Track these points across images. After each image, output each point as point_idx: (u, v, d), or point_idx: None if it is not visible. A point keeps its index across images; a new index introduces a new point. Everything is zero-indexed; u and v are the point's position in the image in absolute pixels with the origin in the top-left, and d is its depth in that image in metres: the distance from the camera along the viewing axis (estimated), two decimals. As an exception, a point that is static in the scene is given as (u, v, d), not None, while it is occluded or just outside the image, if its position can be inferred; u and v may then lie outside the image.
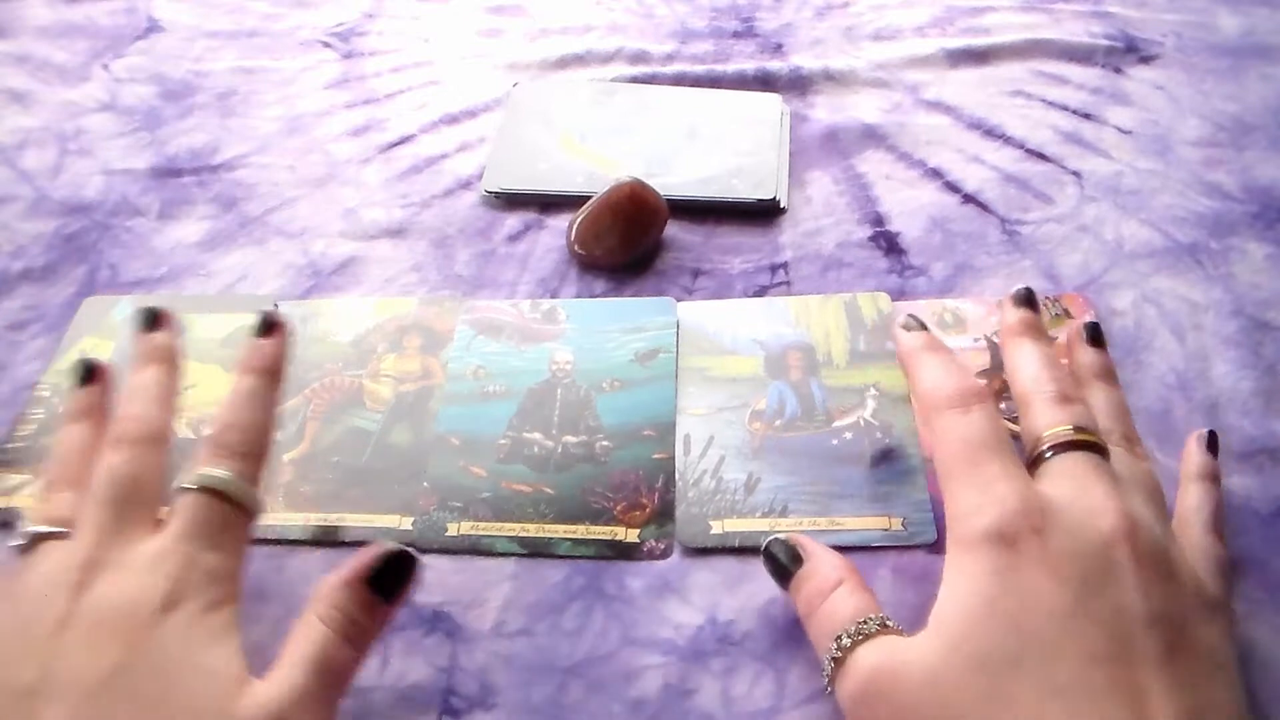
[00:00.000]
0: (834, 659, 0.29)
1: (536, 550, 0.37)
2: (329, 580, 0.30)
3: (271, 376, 0.34)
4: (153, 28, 0.64)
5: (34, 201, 0.52)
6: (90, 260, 0.49)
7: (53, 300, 0.47)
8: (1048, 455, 0.30)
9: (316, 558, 0.37)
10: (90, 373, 0.36)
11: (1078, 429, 0.30)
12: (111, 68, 0.61)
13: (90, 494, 0.31)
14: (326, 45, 0.62)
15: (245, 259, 0.49)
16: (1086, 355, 0.36)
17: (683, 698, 0.33)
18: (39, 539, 0.31)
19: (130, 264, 0.49)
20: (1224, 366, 0.41)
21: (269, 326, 0.35)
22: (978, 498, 0.29)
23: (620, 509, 0.38)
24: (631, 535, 0.37)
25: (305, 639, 0.29)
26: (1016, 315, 0.35)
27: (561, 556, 0.36)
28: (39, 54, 0.62)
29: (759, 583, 0.35)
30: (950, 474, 0.30)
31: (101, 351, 0.44)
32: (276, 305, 0.46)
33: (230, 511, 0.31)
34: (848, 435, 0.39)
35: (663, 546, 0.36)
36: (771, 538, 0.33)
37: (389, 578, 0.30)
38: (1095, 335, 0.36)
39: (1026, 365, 0.33)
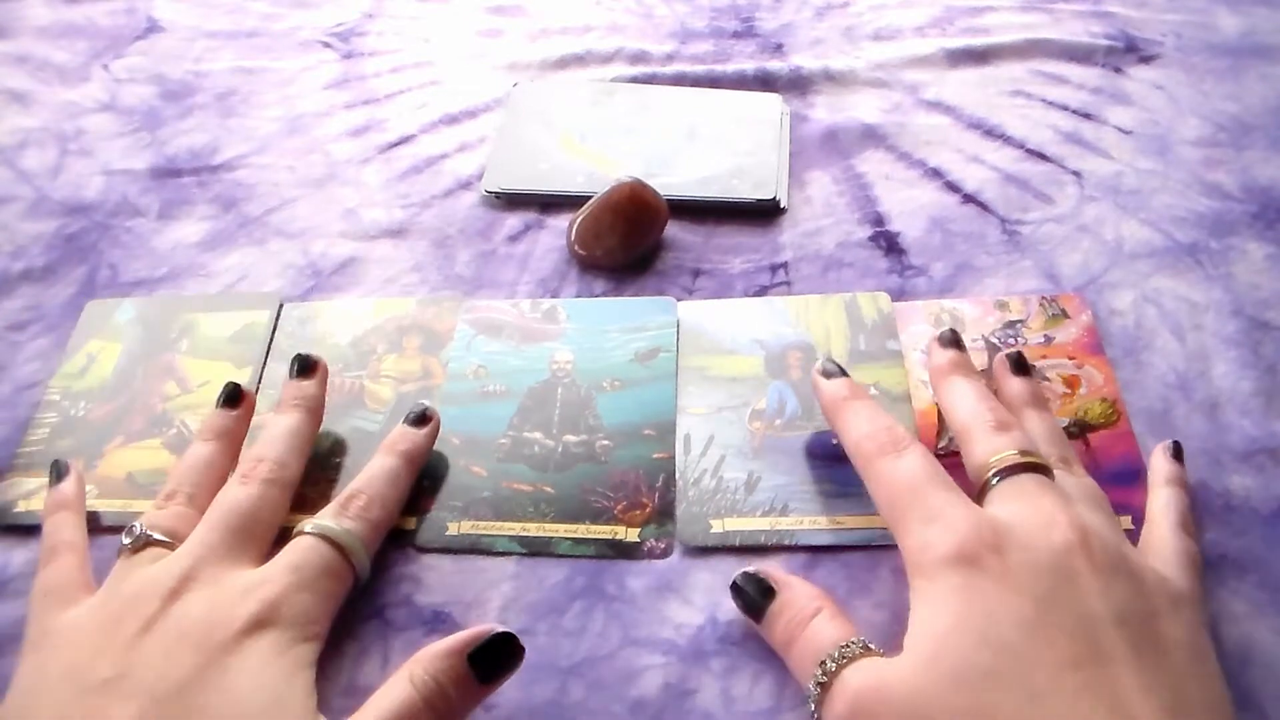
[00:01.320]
0: (820, 684, 0.29)
1: (537, 550, 0.37)
2: (433, 647, 0.30)
3: (413, 463, 0.37)
4: (153, 28, 0.64)
5: (34, 202, 0.52)
6: (90, 261, 0.49)
7: (53, 301, 0.47)
8: (994, 481, 0.31)
9: (317, 558, 0.37)
10: (234, 398, 0.38)
11: (1021, 452, 0.31)
12: (111, 68, 0.61)
13: (207, 515, 0.33)
14: (326, 45, 0.62)
15: (245, 259, 0.49)
16: (1015, 385, 0.37)
17: (683, 698, 0.33)
18: (147, 543, 0.32)
19: (130, 264, 0.49)
20: (1224, 366, 0.41)
21: (421, 418, 0.38)
22: (930, 529, 0.29)
23: (620, 508, 0.38)
24: (632, 535, 0.37)
25: (392, 697, 0.29)
26: (945, 355, 0.36)
27: (562, 556, 0.37)
28: (39, 54, 0.62)
29: (759, 582, 0.35)
30: (897, 515, 0.31)
31: (108, 354, 0.45)
32: (282, 303, 0.46)
33: (337, 562, 0.32)
34: (848, 435, 0.39)
35: (663, 546, 0.36)
36: (740, 573, 0.33)
37: (491, 659, 0.30)
38: (1020, 364, 0.37)
39: (961, 401, 0.34)
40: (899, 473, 0.31)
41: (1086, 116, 0.54)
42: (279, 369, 0.43)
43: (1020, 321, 0.43)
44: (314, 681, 0.30)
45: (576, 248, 0.46)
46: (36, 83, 0.60)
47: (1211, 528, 0.35)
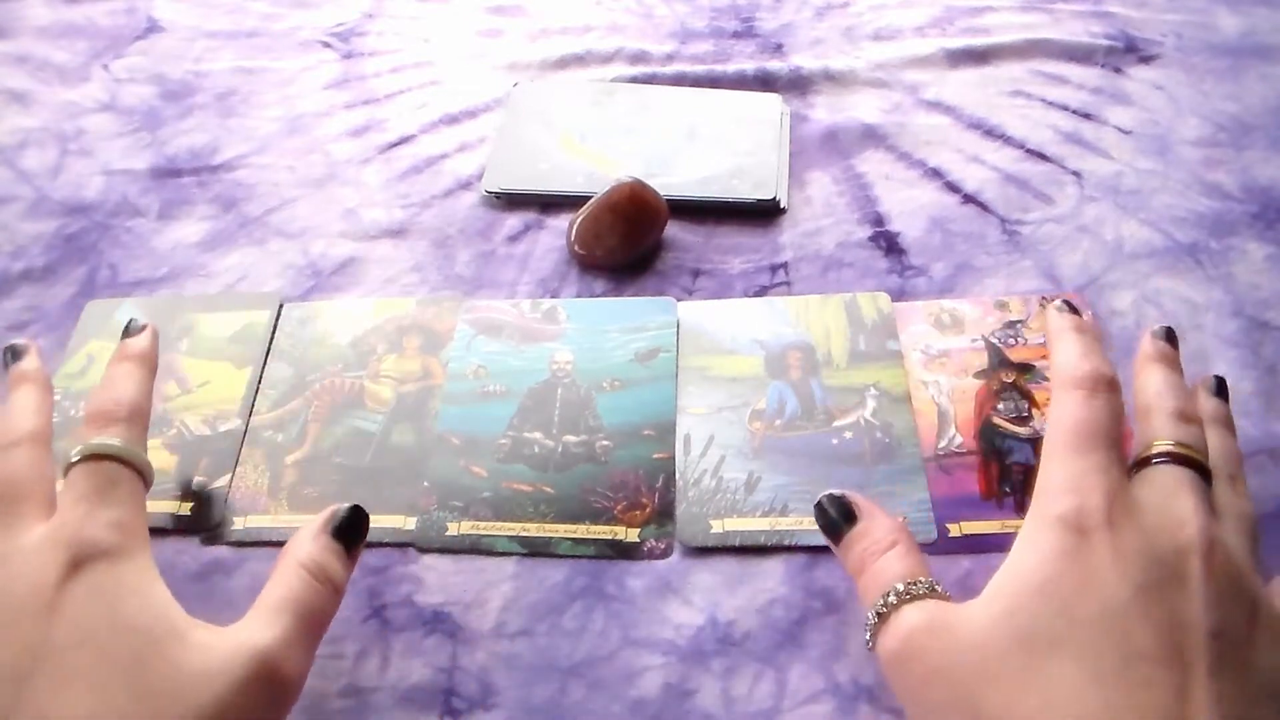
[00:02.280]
0: (879, 613, 0.29)
1: (537, 550, 0.37)
2: (300, 534, 0.32)
3: (142, 360, 0.35)
4: (152, 28, 0.64)
5: (34, 202, 0.52)
6: (90, 261, 0.49)
7: (53, 301, 0.47)
8: (1152, 462, 0.30)
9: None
10: None
11: (1186, 445, 0.30)
12: (111, 68, 0.61)
13: None
14: (326, 45, 0.62)
15: (245, 259, 0.49)
16: (1209, 403, 0.36)
17: (683, 698, 0.33)
18: None
19: (130, 264, 0.49)
20: (1224, 366, 0.41)
21: (139, 328, 0.37)
22: (1068, 481, 0.29)
23: (620, 508, 0.38)
24: (632, 535, 0.37)
25: (285, 584, 0.30)
26: (1154, 346, 0.35)
27: (562, 556, 0.37)
28: (39, 54, 0.62)
29: (759, 582, 0.35)
30: (1054, 449, 0.30)
31: (108, 354, 0.44)
32: (282, 303, 0.46)
33: (119, 470, 0.31)
34: (848, 435, 0.39)
35: (663, 546, 0.36)
36: (826, 493, 0.33)
37: (350, 530, 0.33)
38: (1220, 388, 0.36)
39: (1154, 382, 0.33)
40: (1079, 411, 0.30)
41: (1086, 116, 0.54)
42: (279, 369, 0.43)
43: (1020, 322, 0.43)
44: (165, 590, 0.29)
45: (576, 248, 0.46)
46: (36, 83, 0.60)
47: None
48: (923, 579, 0.30)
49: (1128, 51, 0.57)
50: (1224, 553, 0.27)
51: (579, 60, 0.59)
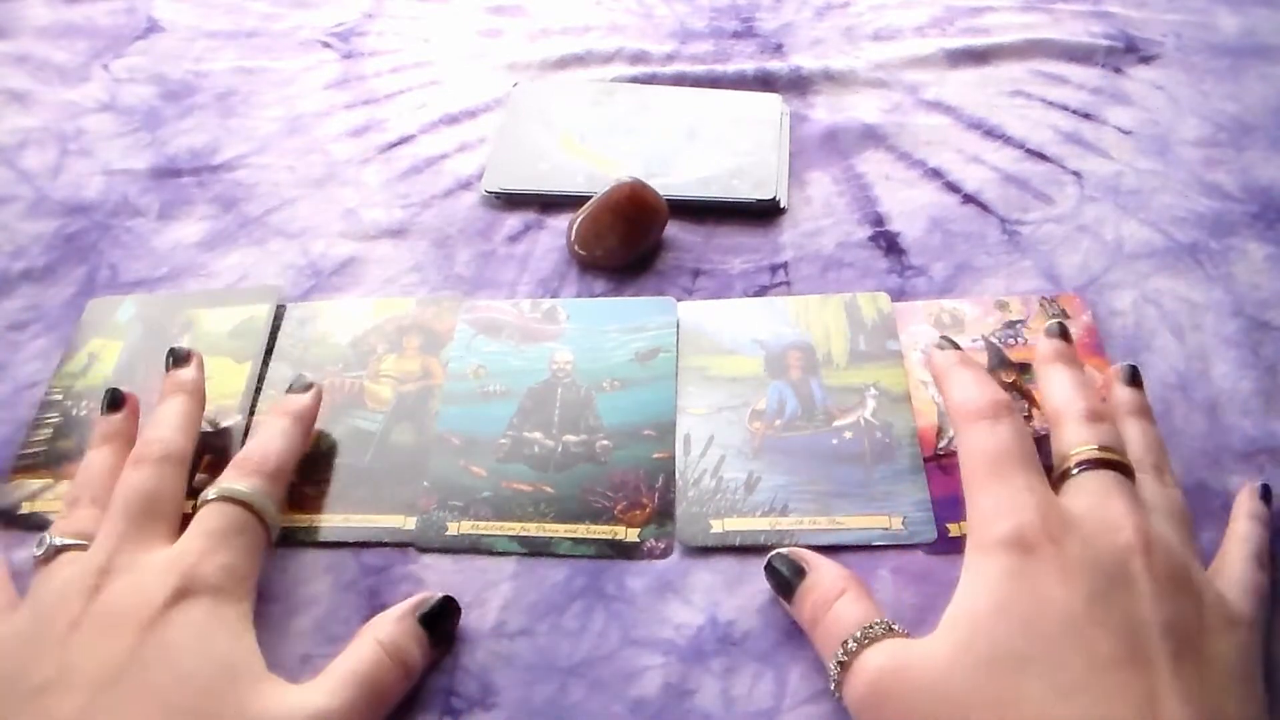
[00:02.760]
0: (841, 663, 0.29)
1: (537, 550, 0.37)
2: (386, 614, 0.33)
3: (299, 419, 0.38)
4: (152, 28, 0.64)
5: (34, 202, 0.52)
6: (90, 260, 0.49)
7: (53, 300, 0.47)
8: (1074, 472, 0.31)
9: (320, 558, 0.37)
10: (116, 401, 0.38)
11: (1103, 448, 0.31)
12: (111, 68, 0.61)
13: (109, 507, 0.33)
14: (326, 45, 0.62)
15: (245, 259, 0.49)
16: (1123, 393, 0.36)
17: (683, 698, 0.33)
18: (59, 550, 0.32)
19: (130, 264, 0.49)
20: (1224, 366, 0.41)
21: (305, 386, 0.39)
22: (999, 506, 0.29)
23: (620, 508, 0.38)
24: (632, 535, 0.37)
25: (361, 655, 0.31)
26: (1051, 344, 0.36)
27: (562, 556, 0.37)
28: (39, 54, 0.62)
29: (759, 582, 0.35)
30: (975, 482, 0.31)
31: (109, 353, 0.45)
32: (281, 300, 0.46)
33: (247, 519, 0.33)
34: (848, 435, 0.39)
35: (663, 546, 0.36)
36: (774, 552, 0.34)
37: (439, 620, 0.33)
38: (1133, 376, 0.37)
39: (1059, 387, 0.34)
40: (987, 441, 0.31)
41: (1086, 116, 0.54)
42: (279, 369, 0.43)
43: (1020, 322, 0.43)
44: (254, 640, 0.30)
45: (576, 248, 0.46)
46: (36, 83, 0.60)
47: (1211, 528, 0.35)
48: (878, 621, 0.30)
49: (1128, 51, 0.57)
50: (1163, 548, 0.28)
51: (579, 60, 0.59)
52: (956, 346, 0.36)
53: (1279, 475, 0.37)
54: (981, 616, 0.27)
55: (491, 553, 0.37)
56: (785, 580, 0.33)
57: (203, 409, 0.38)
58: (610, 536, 0.37)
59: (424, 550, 0.37)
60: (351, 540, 0.37)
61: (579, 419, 0.41)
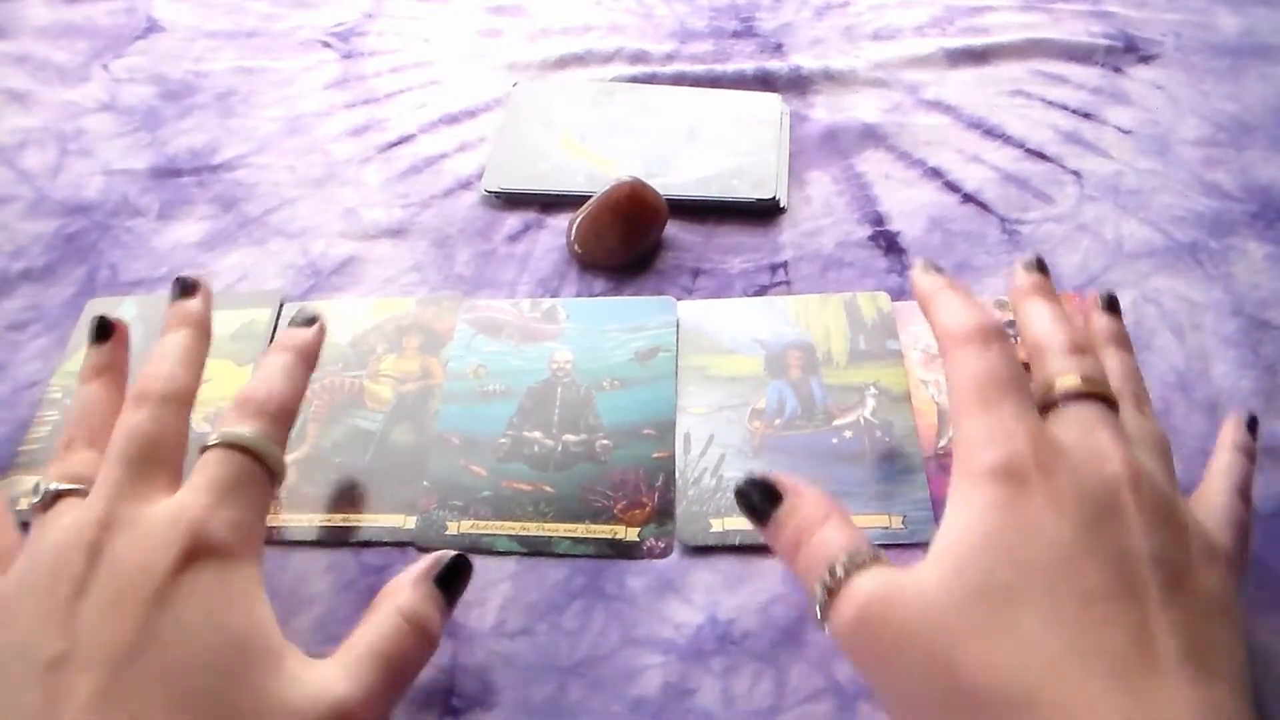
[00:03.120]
0: (828, 588, 0.28)
1: (536, 549, 0.37)
2: (402, 578, 0.31)
3: (303, 356, 0.35)
4: (152, 28, 0.64)
5: (34, 202, 0.52)
6: (90, 260, 0.49)
7: (53, 300, 0.47)
8: (1059, 404, 0.30)
9: (320, 558, 0.37)
10: (106, 329, 0.36)
11: (1087, 379, 0.30)
12: (111, 68, 0.61)
13: (107, 452, 0.30)
14: (326, 45, 0.62)
15: (245, 259, 0.49)
16: (1102, 320, 0.36)
17: (683, 697, 0.33)
18: (56, 496, 0.30)
19: (130, 264, 0.49)
20: (1224, 366, 0.41)
21: (309, 319, 0.36)
22: (988, 433, 0.28)
23: (620, 508, 0.38)
24: (632, 534, 0.37)
25: (381, 624, 0.29)
26: (1028, 277, 0.35)
27: (562, 555, 0.37)
28: (39, 54, 0.62)
29: (759, 581, 0.35)
30: (963, 408, 0.30)
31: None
32: (283, 302, 0.46)
33: (253, 468, 0.30)
34: (848, 434, 0.39)
35: (663, 545, 0.36)
36: (743, 478, 0.31)
37: (452, 579, 0.32)
38: (1111, 304, 0.36)
39: (1039, 320, 0.33)
40: (977, 365, 0.30)
41: (1086, 116, 0.54)
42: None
43: (1020, 321, 0.43)
44: (267, 606, 0.29)
45: (576, 247, 0.46)
46: (36, 83, 0.60)
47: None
48: (864, 548, 0.29)
49: (1127, 51, 0.57)
50: (1149, 480, 0.28)
51: (579, 60, 0.59)
52: (941, 270, 0.35)
53: (1279, 475, 0.37)
54: (971, 548, 0.27)
55: (491, 552, 0.37)
56: (757, 506, 0.31)
57: (208, 345, 0.35)
58: (610, 536, 0.37)
59: (424, 550, 0.37)
60: (351, 540, 0.37)
61: (579, 418, 0.41)
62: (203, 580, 0.27)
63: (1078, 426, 0.29)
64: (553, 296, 0.46)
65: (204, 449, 0.31)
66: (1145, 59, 0.57)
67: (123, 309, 0.46)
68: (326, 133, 0.56)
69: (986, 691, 0.25)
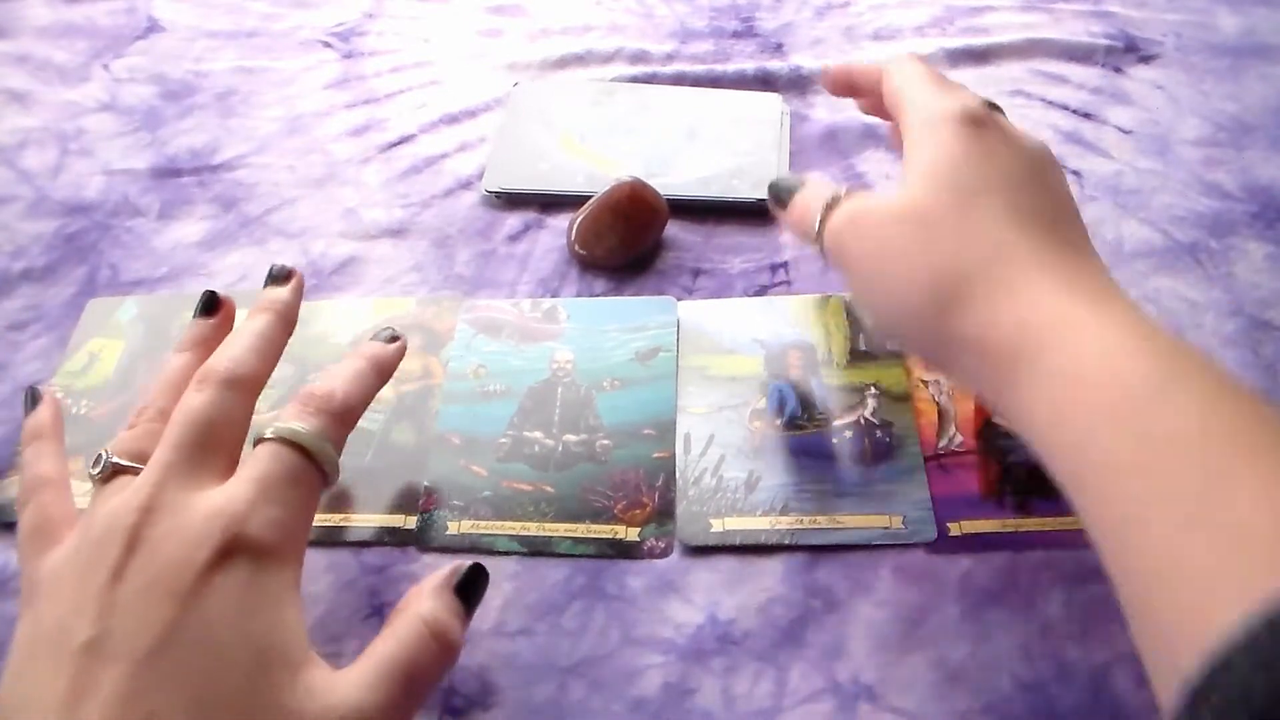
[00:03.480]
0: (827, 205, 0.34)
1: (537, 549, 0.37)
2: (423, 587, 0.31)
3: (377, 367, 0.34)
4: (153, 28, 0.64)
5: (34, 202, 0.52)
6: (90, 260, 0.49)
7: (53, 300, 0.47)
8: (965, 111, 0.34)
9: (320, 558, 0.37)
10: (212, 304, 0.36)
11: (975, 98, 0.34)
12: (111, 68, 0.61)
13: (166, 431, 0.30)
14: (326, 45, 0.62)
15: (245, 259, 0.49)
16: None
17: (683, 697, 0.33)
18: (114, 470, 0.30)
19: (130, 264, 0.49)
20: (1224, 366, 0.41)
21: (391, 338, 0.36)
22: (942, 94, 0.34)
23: (621, 508, 0.38)
24: (632, 534, 0.37)
25: (402, 640, 0.29)
26: (908, 55, 0.39)
27: (562, 555, 0.37)
28: (39, 54, 0.62)
29: (760, 581, 0.35)
30: (915, 86, 0.35)
31: (110, 352, 0.45)
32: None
33: (305, 466, 0.30)
34: (848, 434, 0.39)
35: (663, 545, 0.36)
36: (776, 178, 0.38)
37: (471, 587, 0.31)
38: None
39: (907, 67, 0.37)
40: (919, 66, 0.37)
41: (1086, 116, 0.54)
42: (281, 369, 0.43)
43: (1020, 321, 0.43)
44: (298, 611, 0.28)
45: (577, 247, 0.46)
46: (36, 83, 0.60)
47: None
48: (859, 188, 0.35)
49: (1128, 51, 0.57)
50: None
51: (579, 60, 0.59)
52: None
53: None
54: (940, 163, 0.32)
55: (492, 552, 0.37)
56: (782, 192, 0.37)
57: (288, 336, 0.34)
58: (610, 536, 0.37)
59: (424, 550, 0.37)
60: (352, 540, 0.37)
61: (579, 418, 0.41)
62: (235, 580, 0.27)
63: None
64: (553, 296, 0.46)
65: (258, 441, 0.30)
66: (1145, 59, 0.57)
67: (123, 309, 0.46)
68: (327, 133, 0.56)
69: (952, 272, 0.30)
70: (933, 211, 0.31)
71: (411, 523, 0.38)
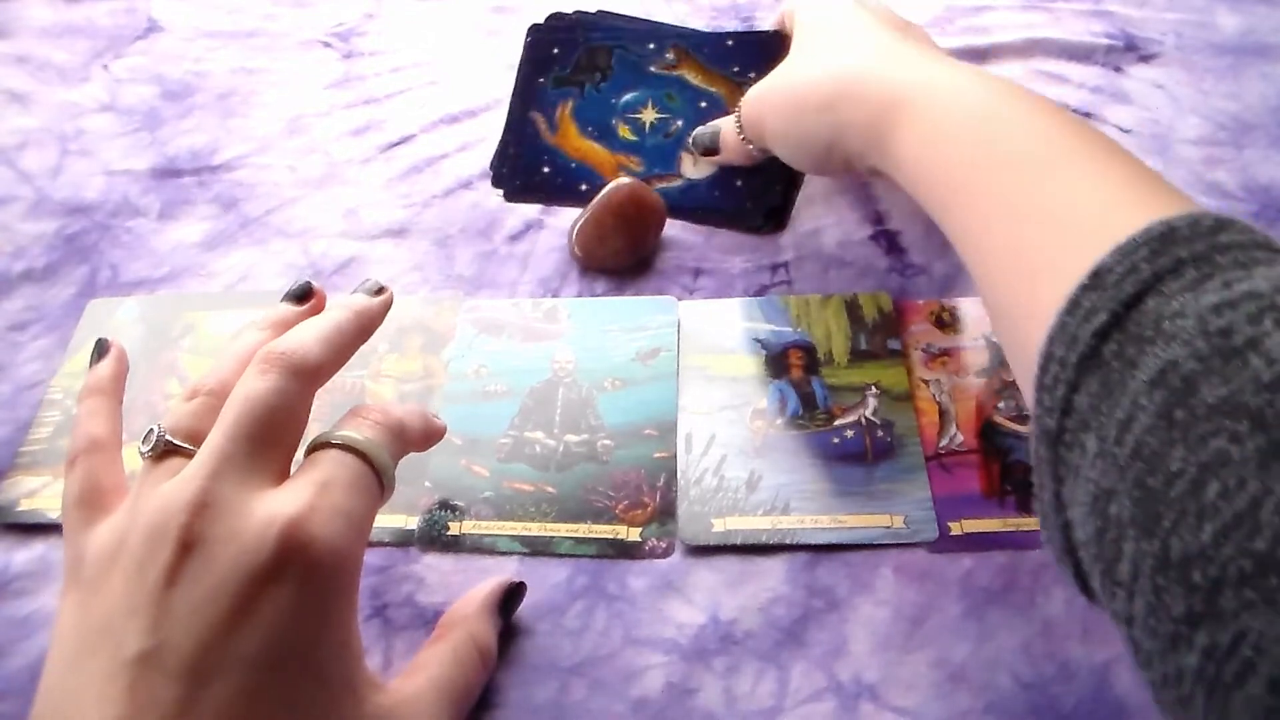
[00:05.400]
0: (736, 113, 0.45)
1: (538, 549, 0.37)
2: (471, 606, 0.33)
3: (424, 421, 0.33)
4: (153, 28, 0.64)
5: (35, 202, 0.52)
6: (91, 261, 0.49)
7: (53, 301, 0.47)
8: None
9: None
10: (305, 294, 0.34)
11: None
12: (111, 68, 0.61)
13: (222, 415, 0.28)
14: (326, 45, 0.62)
15: (246, 259, 0.49)
16: None
17: (685, 697, 0.33)
18: (166, 449, 0.28)
19: (131, 264, 0.49)
20: (1225, 365, 0.41)
21: (378, 289, 0.34)
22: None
23: (622, 508, 0.38)
24: (633, 534, 0.37)
25: (455, 659, 0.31)
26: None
27: (563, 555, 0.37)
28: (39, 54, 0.62)
29: (761, 581, 0.35)
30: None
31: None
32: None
33: (368, 476, 0.28)
34: (849, 434, 0.39)
35: (664, 545, 0.36)
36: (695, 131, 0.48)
37: (511, 603, 0.34)
38: None
39: None
40: None
41: (1087, 115, 0.54)
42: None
43: (1021, 320, 0.43)
44: (356, 625, 0.27)
45: (577, 251, 0.46)
46: (36, 83, 0.60)
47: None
48: None
49: (1128, 50, 0.57)
50: None
51: (579, 60, 0.59)
52: None
53: None
54: (816, 18, 0.42)
55: (493, 552, 0.37)
56: (707, 140, 0.47)
57: (361, 341, 0.32)
58: (612, 536, 0.37)
59: (426, 550, 0.37)
60: (353, 540, 0.37)
61: (580, 418, 0.41)
62: (290, 593, 0.25)
63: None
64: (554, 296, 0.46)
65: (314, 446, 0.29)
66: (1145, 58, 0.57)
67: (123, 310, 0.46)
68: (327, 133, 0.56)
69: (845, 69, 0.39)
70: (815, 40, 0.41)
71: (413, 523, 0.38)
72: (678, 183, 0.49)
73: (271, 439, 0.28)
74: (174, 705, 0.24)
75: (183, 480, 0.27)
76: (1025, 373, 0.28)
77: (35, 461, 0.41)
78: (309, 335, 0.30)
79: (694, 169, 0.49)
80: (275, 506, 0.26)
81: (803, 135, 0.41)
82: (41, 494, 0.39)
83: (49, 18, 0.65)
